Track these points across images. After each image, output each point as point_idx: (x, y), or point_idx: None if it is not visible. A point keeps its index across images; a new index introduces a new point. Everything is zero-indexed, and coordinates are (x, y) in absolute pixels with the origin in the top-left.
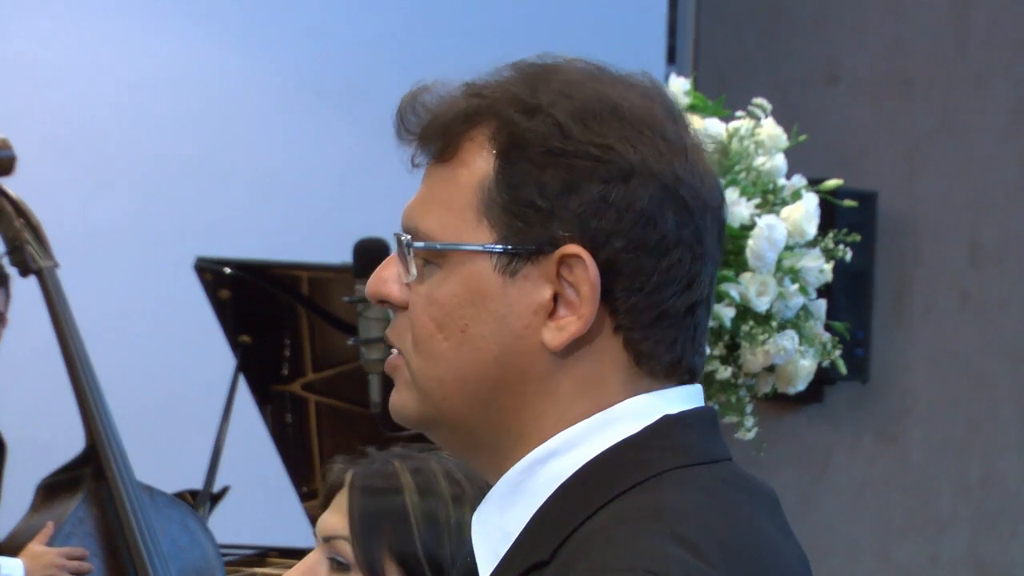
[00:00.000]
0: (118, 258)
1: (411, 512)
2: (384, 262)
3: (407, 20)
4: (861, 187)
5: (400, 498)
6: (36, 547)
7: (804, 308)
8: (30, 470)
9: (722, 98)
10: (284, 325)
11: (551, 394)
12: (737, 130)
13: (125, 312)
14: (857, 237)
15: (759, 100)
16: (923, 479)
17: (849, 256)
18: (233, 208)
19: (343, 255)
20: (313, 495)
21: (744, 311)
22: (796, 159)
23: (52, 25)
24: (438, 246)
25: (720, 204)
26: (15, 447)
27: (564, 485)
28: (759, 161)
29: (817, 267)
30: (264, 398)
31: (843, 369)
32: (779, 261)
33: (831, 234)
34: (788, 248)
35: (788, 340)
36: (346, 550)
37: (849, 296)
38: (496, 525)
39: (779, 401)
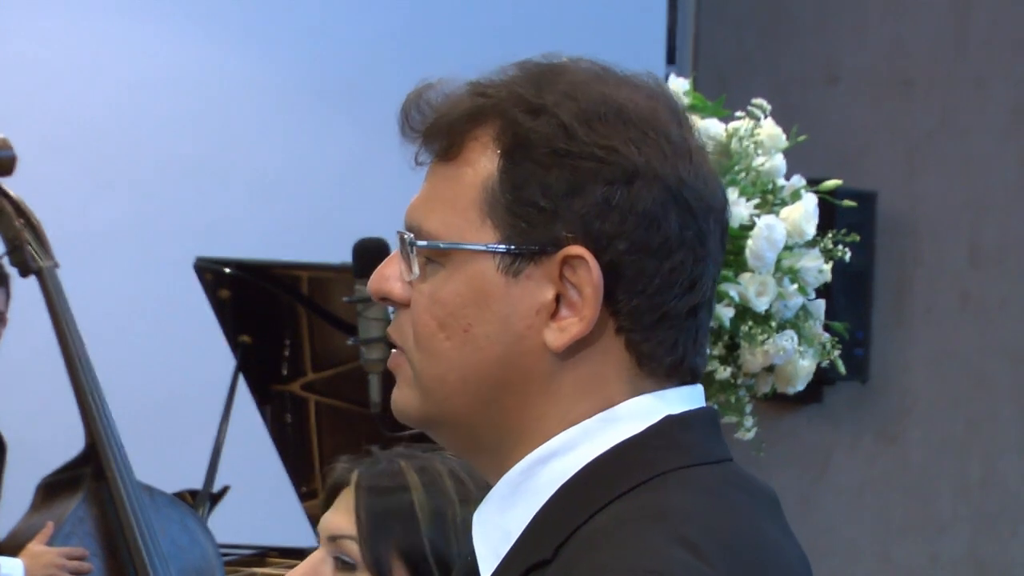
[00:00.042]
0: (118, 258)
1: (418, 510)
2: (387, 259)
3: (407, 20)
4: (861, 187)
5: (407, 496)
6: (36, 547)
7: (803, 308)
8: (30, 470)
9: (722, 98)
10: (284, 325)
11: (553, 394)
12: (737, 130)
13: (125, 312)
14: (856, 237)
15: (759, 100)
16: (923, 479)
17: (848, 256)
18: (233, 208)
19: (343, 255)
20: (313, 495)
21: (743, 311)
22: (796, 159)
23: (52, 25)
24: (441, 245)
25: (723, 206)
26: (15, 447)
27: (566, 485)
28: (758, 161)
29: (816, 267)
30: (264, 398)
31: (843, 369)
32: (778, 261)
33: (830, 234)
34: (787, 248)
35: (787, 340)
36: (352, 549)
37: (849, 296)
38: (497, 525)
39: (779, 401)
